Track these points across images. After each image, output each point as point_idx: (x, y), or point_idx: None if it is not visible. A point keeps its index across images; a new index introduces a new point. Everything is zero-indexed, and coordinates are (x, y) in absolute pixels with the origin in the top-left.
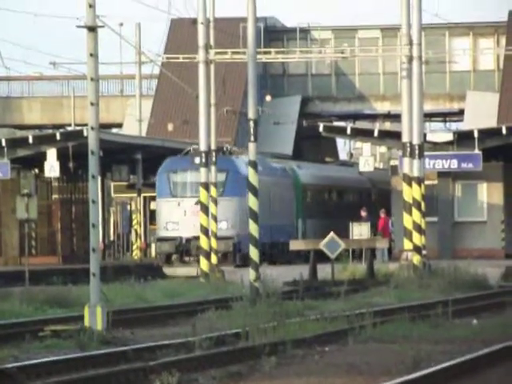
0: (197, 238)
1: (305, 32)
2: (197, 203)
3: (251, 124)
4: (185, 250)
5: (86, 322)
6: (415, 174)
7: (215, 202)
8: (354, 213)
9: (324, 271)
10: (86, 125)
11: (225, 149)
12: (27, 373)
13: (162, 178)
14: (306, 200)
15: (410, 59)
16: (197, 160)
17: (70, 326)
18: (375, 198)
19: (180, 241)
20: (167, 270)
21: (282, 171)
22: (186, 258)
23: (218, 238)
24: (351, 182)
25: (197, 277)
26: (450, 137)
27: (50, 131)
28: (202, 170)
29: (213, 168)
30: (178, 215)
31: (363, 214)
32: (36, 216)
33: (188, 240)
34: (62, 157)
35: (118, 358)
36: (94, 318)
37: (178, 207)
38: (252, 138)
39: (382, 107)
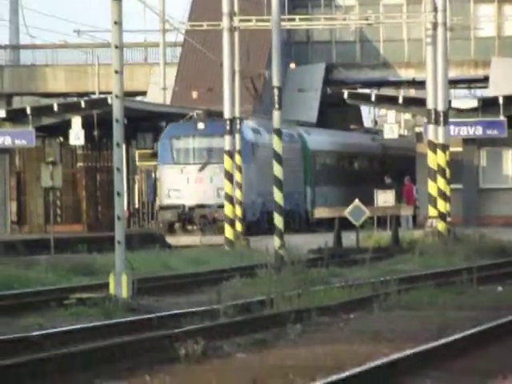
0: (200, 206)
1: None
2: (200, 170)
3: (275, 91)
4: (188, 218)
5: (111, 290)
6: (440, 140)
7: (240, 169)
8: (366, 179)
9: (349, 239)
10: (110, 93)
11: None
12: (52, 341)
13: (164, 144)
14: (314, 167)
15: (435, 26)
16: (200, 125)
17: (95, 294)
18: (389, 164)
19: (183, 209)
20: (170, 239)
21: (289, 137)
22: (189, 227)
23: (221, 207)
24: (363, 148)
25: (220, 245)
26: (474, 103)
27: (75, 99)
28: (227, 137)
29: (237, 136)
30: (181, 183)
31: (387, 180)
32: (61, 184)
33: (191, 208)
34: (87, 125)
35: (143, 326)
36: (119, 286)
37: (181, 174)
38: (276, 106)
39: (406, 74)
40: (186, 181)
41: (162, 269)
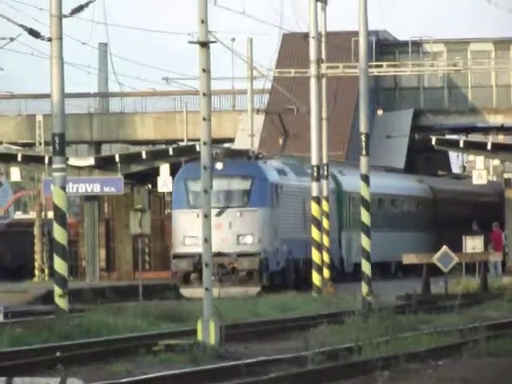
0: (218, 255)
1: (417, 45)
2: (219, 215)
3: (363, 138)
4: None
5: (199, 337)
6: None
7: (327, 216)
8: (409, 224)
9: (436, 285)
10: (198, 140)
11: (250, 153)
12: None
13: (178, 187)
14: (349, 211)
15: None
16: (219, 166)
17: (184, 341)
18: (437, 207)
19: (199, 258)
20: (185, 291)
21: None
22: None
23: (241, 255)
24: (406, 190)
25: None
26: None
27: (163, 146)
28: (314, 184)
29: (324, 182)
30: (197, 229)
31: (474, 227)
32: (149, 231)
33: None
34: (175, 172)
35: (231, 373)
36: (207, 333)
37: (197, 219)
38: (364, 152)
39: (494, 120)
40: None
41: (249, 315)
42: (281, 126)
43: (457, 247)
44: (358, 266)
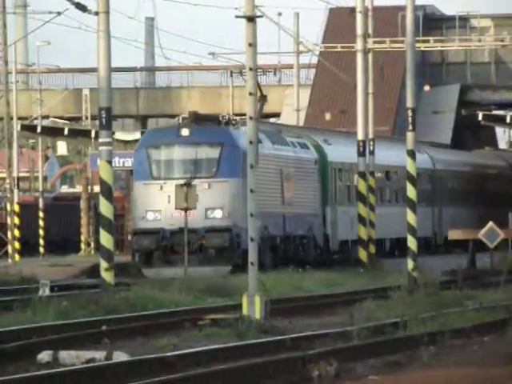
0: (183, 231)
1: (464, 20)
2: (184, 185)
3: (409, 113)
4: (169, 246)
5: (245, 311)
6: None
7: (372, 191)
8: (452, 199)
9: (483, 261)
10: (244, 114)
11: (220, 118)
12: (187, 361)
13: (139, 156)
14: (335, 184)
15: None
16: (184, 132)
17: (229, 315)
18: (482, 182)
19: (162, 234)
20: (147, 272)
21: (301, 147)
22: (171, 257)
23: (209, 231)
24: (449, 165)
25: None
26: None
27: None
28: (360, 159)
29: (370, 157)
30: (161, 202)
31: None
32: (196, 205)
33: (173, 233)
34: None
35: (276, 347)
36: (253, 307)
37: (161, 192)
38: (410, 127)
39: None
40: (166, 200)
41: (294, 290)
42: (327, 100)
43: (503, 223)
44: (344, 243)
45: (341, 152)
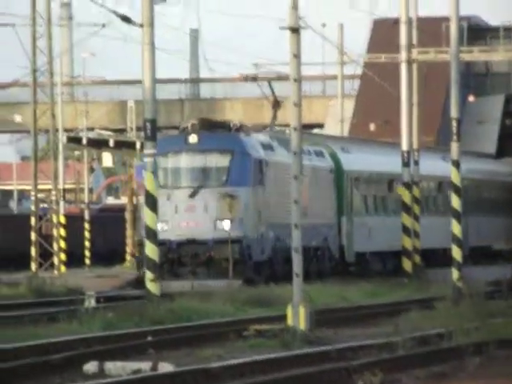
0: (191, 243)
1: (508, 30)
2: (192, 196)
3: (454, 123)
4: (176, 258)
5: (289, 322)
6: None
7: (417, 201)
8: (497, 209)
9: None
10: (287, 125)
11: (231, 125)
12: (232, 372)
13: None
14: (351, 193)
15: None
16: (193, 139)
17: (274, 326)
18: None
19: (169, 246)
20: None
21: (316, 155)
22: (179, 270)
23: (218, 242)
24: (493, 175)
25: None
26: None
27: None
28: (404, 169)
29: (413, 167)
30: (168, 212)
31: None
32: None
33: (180, 244)
34: None
35: (321, 358)
36: (297, 318)
37: (168, 201)
38: (455, 138)
39: None
40: (173, 210)
41: (338, 300)
42: (371, 111)
43: None
44: (360, 256)
45: (357, 160)
